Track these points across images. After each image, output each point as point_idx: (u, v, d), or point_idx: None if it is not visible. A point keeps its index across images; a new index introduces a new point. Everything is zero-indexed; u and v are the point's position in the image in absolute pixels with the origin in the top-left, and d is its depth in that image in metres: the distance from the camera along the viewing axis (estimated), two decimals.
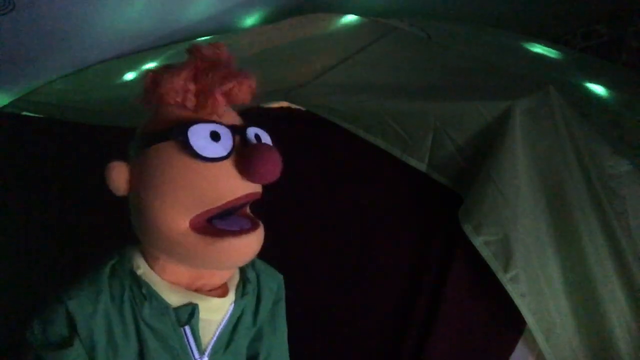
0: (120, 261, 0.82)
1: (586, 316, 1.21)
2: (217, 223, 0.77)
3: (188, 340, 0.80)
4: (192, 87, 0.76)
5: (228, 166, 0.75)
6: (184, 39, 2.19)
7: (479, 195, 1.20)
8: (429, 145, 1.31)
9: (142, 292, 0.78)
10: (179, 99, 0.77)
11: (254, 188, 0.80)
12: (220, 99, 0.76)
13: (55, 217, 1.90)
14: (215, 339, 0.83)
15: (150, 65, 2.08)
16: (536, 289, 1.19)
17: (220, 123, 0.76)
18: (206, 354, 0.82)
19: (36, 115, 2.04)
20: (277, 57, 1.84)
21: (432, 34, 1.80)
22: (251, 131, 0.79)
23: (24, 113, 2.07)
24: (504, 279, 1.17)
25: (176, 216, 0.75)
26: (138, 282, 0.79)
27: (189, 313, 0.79)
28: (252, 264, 0.91)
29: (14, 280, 1.96)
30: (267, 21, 2.20)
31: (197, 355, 0.81)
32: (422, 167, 1.30)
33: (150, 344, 0.77)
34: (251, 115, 1.42)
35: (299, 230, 1.42)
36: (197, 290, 0.81)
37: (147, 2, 1.88)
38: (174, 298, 0.79)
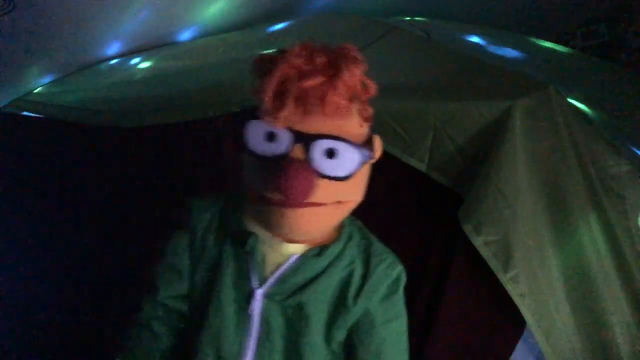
0: (236, 193, 0.94)
1: (586, 316, 1.21)
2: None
3: (249, 266, 0.87)
4: (271, 89, 0.75)
5: (270, 169, 0.76)
6: (186, 38, 2.19)
7: (478, 195, 1.20)
8: (429, 145, 1.31)
9: (236, 212, 0.90)
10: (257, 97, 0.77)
11: (294, 201, 0.79)
12: (289, 104, 0.74)
13: (55, 217, 1.90)
14: (275, 278, 0.87)
15: (149, 62, 2.08)
16: (536, 288, 1.19)
17: (284, 128, 0.75)
18: (263, 287, 0.86)
19: (36, 115, 2.04)
20: None
21: (432, 34, 1.81)
22: (320, 144, 0.75)
23: (24, 113, 2.06)
24: (504, 278, 1.17)
25: (249, 184, 0.85)
26: (240, 208, 0.90)
27: (251, 239, 0.86)
28: (365, 244, 0.93)
29: (13, 280, 1.96)
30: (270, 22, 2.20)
31: (255, 284, 0.87)
32: (422, 167, 1.30)
33: (226, 255, 0.89)
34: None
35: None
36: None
37: (148, 2, 1.88)
38: (250, 226, 0.88)
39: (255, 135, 0.78)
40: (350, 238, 0.92)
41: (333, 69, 0.76)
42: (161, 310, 0.92)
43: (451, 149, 1.28)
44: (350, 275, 0.88)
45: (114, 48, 2.11)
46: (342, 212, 0.87)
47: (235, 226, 0.89)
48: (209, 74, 1.88)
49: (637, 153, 1.37)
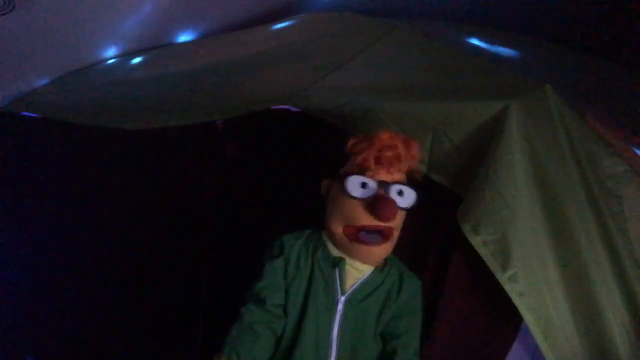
0: (315, 231, 1.32)
1: (584, 314, 1.21)
2: (361, 234, 1.19)
3: (336, 280, 1.25)
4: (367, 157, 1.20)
5: (364, 205, 1.18)
6: (186, 39, 2.20)
7: (477, 195, 1.21)
8: (428, 146, 1.31)
9: (320, 244, 1.28)
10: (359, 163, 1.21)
11: (385, 224, 1.18)
12: (376, 169, 1.19)
13: (55, 217, 1.90)
14: (353, 288, 1.25)
15: (149, 63, 2.08)
16: (534, 287, 1.19)
17: (373, 179, 1.19)
18: (345, 295, 1.24)
19: (36, 115, 2.04)
20: (277, 58, 1.84)
21: (432, 34, 1.81)
22: (395, 188, 1.19)
23: (24, 113, 2.07)
24: (503, 278, 1.18)
25: (336, 223, 1.23)
26: (320, 240, 1.29)
27: (339, 262, 1.25)
28: (396, 265, 1.31)
29: (14, 280, 1.96)
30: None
31: (339, 293, 1.25)
32: (421, 167, 1.31)
33: (316, 273, 1.26)
34: (253, 117, 1.42)
35: (299, 230, 1.42)
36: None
37: (148, 3, 1.88)
38: (334, 252, 1.26)
39: (352, 184, 1.19)
40: (392, 261, 1.30)
41: (404, 146, 1.21)
42: (265, 316, 1.23)
43: (450, 149, 1.28)
44: (392, 285, 1.28)
45: (113, 48, 2.11)
46: (394, 243, 1.25)
47: (323, 253, 1.27)
48: (210, 74, 1.89)
49: (636, 153, 1.37)
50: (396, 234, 1.24)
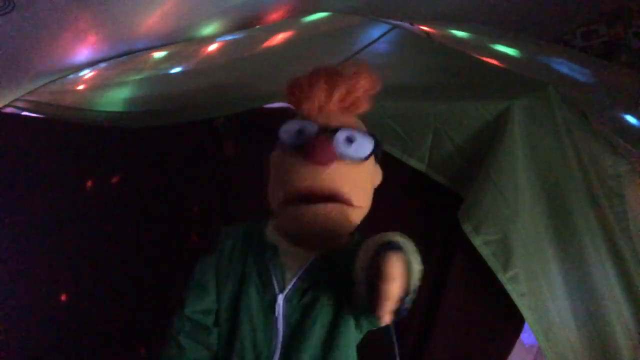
0: (264, 220, 1.09)
1: (585, 315, 1.21)
2: (300, 196, 0.95)
3: (271, 275, 1.00)
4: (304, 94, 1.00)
5: (302, 156, 0.94)
6: (187, 38, 2.19)
7: (478, 195, 1.21)
8: (429, 146, 1.31)
9: (258, 233, 1.05)
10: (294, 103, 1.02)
11: (326, 184, 0.94)
12: (315, 105, 0.98)
13: (55, 217, 1.90)
14: (292, 283, 0.99)
15: (150, 62, 2.08)
16: (535, 288, 1.19)
17: (312, 122, 0.96)
18: (284, 293, 0.99)
19: (36, 115, 2.04)
20: (277, 57, 1.84)
21: (432, 34, 1.80)
22: (342, 134, 0.95)
23: (24, 113, 2.06)
24: (504, 278, 1.18)
25: (276, 189, 0.99)
26: (263, 229, 1.06)
27: (272, 248, 1.01)
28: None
29: (13, 279, 1.95)
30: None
31: (276, 290, 0.99)
32: (422, 167, 1.31)
33: (249, 269, 1.02)
34: (252, 115, 1.42)
35: None
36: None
37: (148, 3, 1.88)
38: (270, 236, 1.04)
39: (286, 132, 0.98)
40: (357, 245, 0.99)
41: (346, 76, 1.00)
42: (188, 325, 1.02)
43: (451, 149, 1.28)
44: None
45: (114, 48, 2.11)
46: (351, 218, 1.00)
47: (259, 240, 1.04)
48: (210, 74, 1.88)
49: (636, 153, 1.37)
50: (358, 208, 0.99)
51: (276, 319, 0.99)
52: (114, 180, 1.85)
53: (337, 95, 1.00)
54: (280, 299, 0.99)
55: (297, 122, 0.98)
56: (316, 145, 0.92)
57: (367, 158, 0.97)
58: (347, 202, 0.97)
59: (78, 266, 1.84)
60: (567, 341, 1.20)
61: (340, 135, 0.95)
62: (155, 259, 1.79)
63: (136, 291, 1.79)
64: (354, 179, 0.98)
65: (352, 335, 1.05)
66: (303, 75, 1.02)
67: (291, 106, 1.04)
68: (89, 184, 1.87)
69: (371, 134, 1.00)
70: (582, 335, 1.21)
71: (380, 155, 1.04)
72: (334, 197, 0.95)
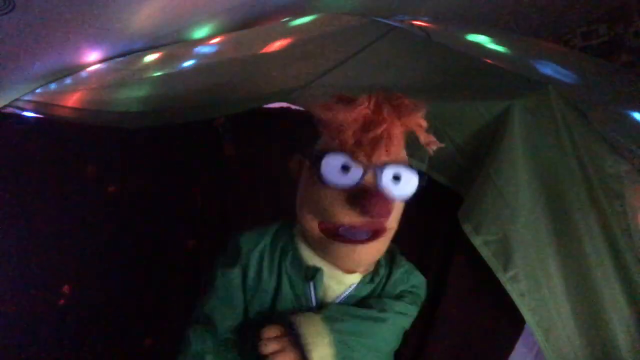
0: (285, 225, 1.04)
1: (586, 315, 1.21)
2: (342, 230, 0.91)
3: (311, 296, 0.98)
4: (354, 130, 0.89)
5: (346, 197, 0.88)
6: (187, 38, 2.19)
7: (478, 195, 1.21)
8: None
9: (289, 247, 1.00)
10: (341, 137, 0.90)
11: (371, 226, 0.92)
12: (370, 148, 0.89)
13: (55, 217, 1.90)
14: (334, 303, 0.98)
15: (150, 62, 2.08)
16: (536, 288, 1.19)
17: (358, 160, 0.88)
18: (323, 312, 0.95)
19: (36, 115, 2.04)
20: (277, 57, 1.84)
21: (432, 34, 1.80)
22: (388, 172, 0.90)
23: (24, 113, 2.07)
24: (504, 278, 1.18)
25: (309, 217, 0.94)
26: (291, 240, 1.00)
27: (315, 272, 0.96)
28: (392, 262, 1.08)
29: (13, 280, 1.95)
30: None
31: (316, 308, 0.97)
32: (422, 167, 1.30)
33: (284, 287, 0.98)
34: (252, 115, 1.42)
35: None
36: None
37: (148, 2, 1.87)
38: (308, 257, 0.98)
39: (329, 167, 0.89)
40: (388, 261, 1.07)
41: (396, 114, 0.92)
42: (215, 344, 0.97)
43: (451, 148, 1.28)
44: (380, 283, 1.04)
45: (115, 48, 2.10)
46: (388, 240, 1.01)
47: (294, 260, 0.99)
48: (211, 74, 1.88)
49: (637, 153, 1.37)
50: (391, 230, 0.99)
51: None
52: (114, 180, 1.85)
53: (396, 142, 0.92)
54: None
55: (340, 157, 0.89)
56: (372, 203, 0.86)
57: (411, 197, 0.95)
58: (384, 231, 0.96)
59: (78, 266, 1.85)
60: (567, 341, 1.20)
61: (387, 174, 0.90)
62: (155, 258, 1.79)
63: (134, 290, 1.79)
64: (396, 212, 0.97)
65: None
66: (356, 108, 0.90)
67: (328, 128, 0.92)
68: (89, 184, 1.87)
69: (416, 168, 0.94)
70: (582, 335, 1.21)
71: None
72: (377, 234, 0.94)
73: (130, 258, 1.81)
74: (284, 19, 2.03)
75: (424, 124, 0.98)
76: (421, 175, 0.95)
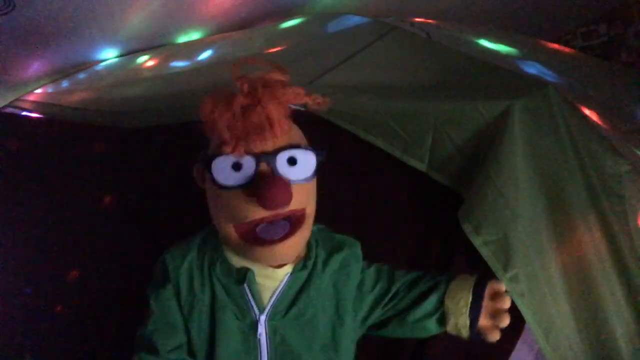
0: (211, 233, 1.01)
1: (586, 315, 1.21)
2: (259, 229, 0.90)
3: (248, 298, 0.97)
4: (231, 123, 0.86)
5: (247, 194, 0.86)
6: (187, 38, 2.19)
7: (478, 195, 1.20)
8: (429, 146, 1.31)
9: (217, 255, 0.99)
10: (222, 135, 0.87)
11: (280, 214, 0.89)
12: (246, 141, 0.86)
13: (55, 217, 1.90)
14: (272, 302, 0.98)
15: (149, 62, 2.08)
16: (536, 288, 1.19)
17: (245, 154, 0.85)
18: (265, 312, 0.97)
19: (36, 115, 2.04)
20: (277, 57, 1.84)
21: (432, 34, 1.80)
22: (283, 156, 0.87)
23: (24, 113, 2.07)
24: (504, 278, 1.18)
25: (223, 223, 0.93)
26: (218, 247, 0.99)
27: (245, 274, 0.96)
28: (322, 240, 1.06)
29: (13, 279, 1.96)
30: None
31: (257, 312, 0.97)
32: (422, 167, 1.30)
33: (220, 296, 0.97)
34: None
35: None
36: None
37: (149, 2, 1.88)
38: (236, 261, 0.97)
39: (221, 170, 0.87)
40: (314, 242, 1.05)
41: (270, 95, 0.86)
42: None
43: (451, 149, 1.28)
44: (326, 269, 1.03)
45: (114, 48, 2.11)
46: (310, 227, 0.99)
47: (222, 267, 0.98)
48: (211, 74, 1.88)
49: (637, 153, 1.37)
50: (310, 215, 0.96)
51: (259, 340, 0.98)
52: (114, 179, 1.85)
53: (280, 126, 0.87)
54: (263, 319, 0.97)
55: (228, 157, 0.86)
56: (270, 193, 0.83)
57: (313, 176, 0.92)
58: (303, 217, 0.93)
59: (77, 265, 1.85)
60: (567, 341, 1.20)
61: (281, 160, 0.87)
62: (152, 258, 1.79)
63: (133, 290, 1.79)
64: (305, 194, 0.93)
65: (351, 335, 1.06)
66: (231, 97, 0.87)
67: (211, 128, 0.89)
68: (89, 184, 1.87)
69: (309, 147, 0.92)
70: (582, 335, 1.21)
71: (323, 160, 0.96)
72: (290, 217, 0.91)
73: (131, 258, 1.81)
74: (285, 19, 2.04)
75: (301, 90, 0.91)
76: (318, 153, 0.92)
